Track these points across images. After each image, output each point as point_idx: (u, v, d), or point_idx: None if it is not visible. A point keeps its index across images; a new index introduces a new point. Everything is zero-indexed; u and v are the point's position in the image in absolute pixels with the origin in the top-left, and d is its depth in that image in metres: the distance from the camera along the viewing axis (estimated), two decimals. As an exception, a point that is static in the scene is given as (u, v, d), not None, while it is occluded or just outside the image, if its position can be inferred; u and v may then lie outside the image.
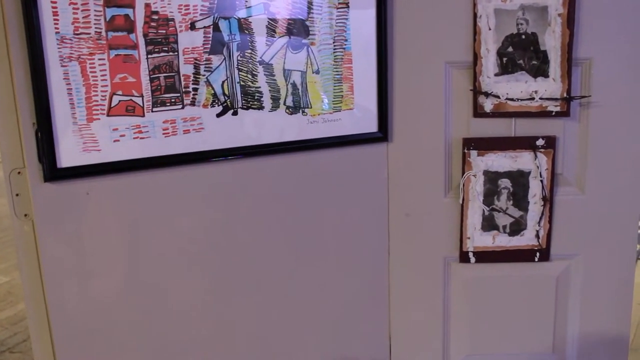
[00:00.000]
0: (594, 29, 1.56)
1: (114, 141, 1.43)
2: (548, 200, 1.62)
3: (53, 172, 1.40)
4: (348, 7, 1.51)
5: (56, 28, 1.36)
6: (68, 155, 1.41)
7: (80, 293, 1.47)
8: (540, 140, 1.59)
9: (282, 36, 1.48)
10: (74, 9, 1.36)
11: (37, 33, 1.34)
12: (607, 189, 1.64)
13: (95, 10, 1.37)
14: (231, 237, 1.56)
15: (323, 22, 1.50)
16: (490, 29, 1.54)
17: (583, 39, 1.56)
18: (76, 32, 1.37)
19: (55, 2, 1.35)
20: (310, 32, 1.49)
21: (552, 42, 1.54)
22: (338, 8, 1.50)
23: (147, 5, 1.39)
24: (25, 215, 1.46)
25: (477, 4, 1.53)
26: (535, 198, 1.62)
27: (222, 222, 1.55)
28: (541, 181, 1.60)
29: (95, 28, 1.38)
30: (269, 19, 1.46)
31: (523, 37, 1.54)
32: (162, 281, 1.53)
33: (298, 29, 1.48)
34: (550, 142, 1.59)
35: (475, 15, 1.54)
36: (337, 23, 1.51)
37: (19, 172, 1.44)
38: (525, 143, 1.59)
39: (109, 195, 1.46)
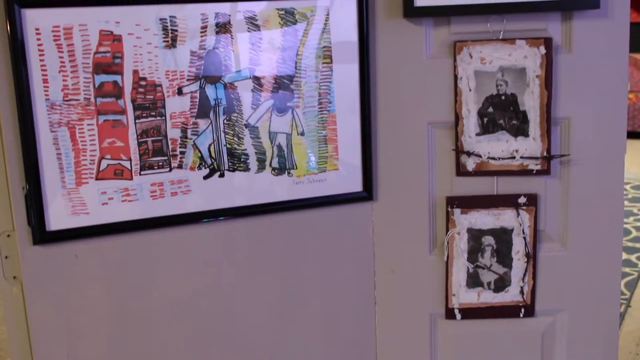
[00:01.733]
0: (571, 90, 1.60)
1: (103, 204, 1.45)
2: (531, 257, 1.64)
3: (42, 235, 1.42)
4: (332, 70, 1.55)
5: (46, 95, 1.39)
6: (57, 218, 1.43)
7: (69, 355, 1.48)
8: (522, 198, 1.62)
9: (268, 99, 1.51)
10: (63, 76, 1.40)
11: (28, 100, 1.38)
12: (589, 244, 1.67)
13: (84, 77, 1.41)
14: (218, 298, 1.58)
15: (308, 85, 1.54)
16: (470, 90, 1.58)
17: (561, 99, 1.60)
18: (66, 98, 1.40)
19: (45, 70, 1.39)
20: (296, 95, 1.53)
21: (531, 102, 1.58)
22: (322, 71, 1.54)
23: (135, 72, 1.43)
24: (14, 277, 1.47)
25: (457, 66, 1.57)
26: (519, 255, 1.64)
27: (210, 283, 1.56)
28: (524, 238, 1.63)
29: (85, 94, 1.41)
30: (254, 83, 1.50)
31: (503, 98, 1.58)
32: (150, 342, 1.54)
33: (283, 92, 1.52)
34: (532, 200, 1.62)
35: (455, 77, 1.58)
36: (321, 86, 1.55)
37: (8, 235, 1.46)
38: (508, 201, 1.62)
39: (97, 257, 1.47)
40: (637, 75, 6.06)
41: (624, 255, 3.86)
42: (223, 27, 1.47)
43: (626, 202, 4.62)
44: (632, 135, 5.91)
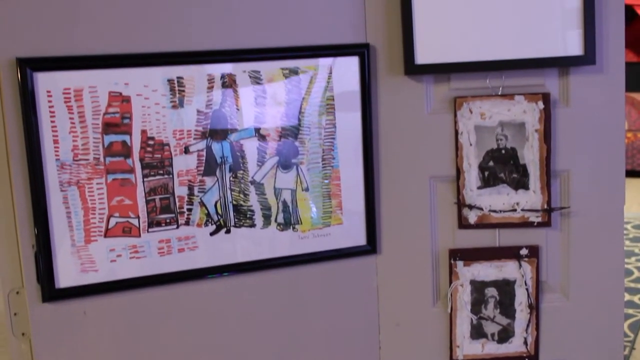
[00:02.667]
0: (570, 143, 1.63)
1: (111, 261, 1.47)
2: (534, 308, 1.66)
3: (51, 293, 1.45)
4: (335, 126, 1.58)
5: (57, 155, 1.43)
6: (66, 276, 1.45)
7: (76, 412, 1.49)
8: (524, 249, 1.64)
9: (273, 156, 1.55)
10: (73, 136, 1.43)
11: (38, 160, 1.41)
12: (590, 294, 1.68)
13: (94, 138, 1.44)
14: (225, 352, 1.59)
15: (312, 142, 1.57)
16: (471, 145, 1.61)
17: (560, 152, 1.63)
18: (75, 158, 1.44)
19: (56, 131, 1.42)
20: (300, 152, 1.56)
21: (530, 156, 1.61)
22: (325, 128, 1.57)
23: (144, 132, 1.47)
24: (23, 334, 1.49)
25: (458, 121, 1.61)
26: (522, 306, 1.66)
27: (217, 337, 1.58)
28: (526, 289, 1.65)
29: (94, 154, 1.45)
30: (259, 140, 1.53)
31: (503, 152, 1.62)
32: (157, 398, 1.55)
33: (287, 149, 1.55)
34: (534, 252, 1.64)
35: (456, 132, 1.62)
36: (325, 142, 1.58)
37: (17, 292, 1.48)
38: (510, 253, 1.64)
39: (105, 314, 1.49)
40: (635, 114, 6.12)
41: (627, 297, 3.86)
42: (229, 87, 1.50)
43: (627, 242, 4.63)
44: (632, 174, 5.94)
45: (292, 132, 1.55)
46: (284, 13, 1.54)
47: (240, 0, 1.51)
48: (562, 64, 1.60)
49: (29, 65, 1.40)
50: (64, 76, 1.42)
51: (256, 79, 1.52)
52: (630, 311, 3.86)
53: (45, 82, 1.41)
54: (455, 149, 1.63)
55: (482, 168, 1.62)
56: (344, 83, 1.58)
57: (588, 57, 1.58)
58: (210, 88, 1.49)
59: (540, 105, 1.60)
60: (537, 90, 1.62)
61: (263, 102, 1.53)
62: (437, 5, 1.56)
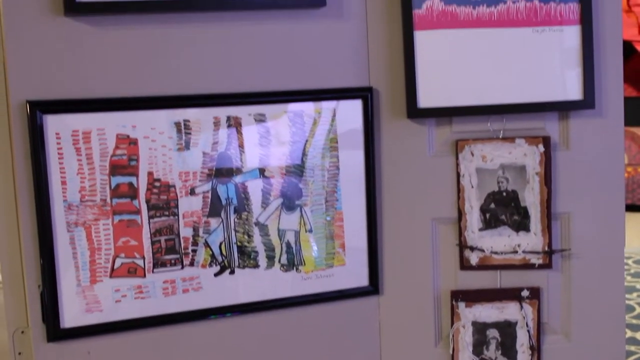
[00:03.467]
0: (570, 186, 1.65)
1: (116, 302, 1.49)
2: (536, 350, 1.66)
3: (56, 333, 1.46)
4: (338, 168, 1.60)
5: (64, 196, 1.45)
6: (71, 316, 1.47)
7: None
8: (525, 291, 1.65)
9: (277, 198, 1.57)
10: (81, 178, 1.46)
11: (46, 201, 1.44)
12: (592, 336, 1.69)
13: (101, 179, 1.47)
14: (228, 392, 1.60)
15: (315, 184, 1.59)
16: (473, 187, 1.64)
17: (561, 194, 1.65)
18: (83, 199, 1.46)
19: (64, 172, 1.45)
20: (304, 194, 1.58)
21: (531, 198, 1.63)
22: (329, 170, 1.60)
23: (150, 174, 1.49)
24: (27, 373, 1.50)
25: (459, 163, 1.63)
26: (523, 347, 1.67)
27: (219, 377, 1.59)
28: (528, 331, 1.66)
29: (101, 195, 1.47)
30: (264, 182, 1.56)
31: (504, 194, 1.64)
32: None
33: (291, 191, 1.58)
34: (535, 293, 1.66)
35: (458, 175, 1.64)
36: (328, 184, 1.60)
37: (22, 332, 1.49)
38: (511, 294, 1.66)
39: (109, 354, 1.50)
40: (635, 149, 6.15)
41: (629, 333, 3.85)
42: (234, 129, 1.53)
43: (629, 278, 4.63)
44: (632, 208, 5.95)
45: (296, 174, 1.58)
46: (289, 56, 1.57)
47: (246, 44, 1.54)
48: (562, 108, 1.63)
49: (39, 108, 1.42)
50: (73, 118, 1.45)
51: (261, 121, 1.55)
52: (633, 348, 3.85)
53: (55, 124, 1.44)
54: (457, 191, 1.65)
55: (483, 210, 1.64)
56: (348, 126, 1.60)
57: (587, 102, 1.61)
58: (216, 130, 1.52)
59: (541, 148, 1.62)
60: (538, 133, 1.64)
61: (267, 144, 1.55)
62: (439, 50, 1.60)
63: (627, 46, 5.73)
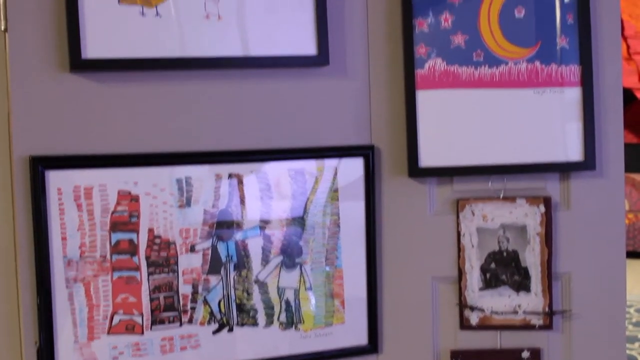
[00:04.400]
0: (571, 246, 1.65)
1: (113, 358, 1.48)
2: (536, 412, 1.65)
3: (52, 390, 1.44)
4: (339, 226, 1.60)
5: (64, 252, 1.45)
6: (67, 373, 1.45)
7: None
8: (526, 352, 1.64)
9: (277, 256, 1.56)
10: (81, 234, 1.46)
11: (46, 256, 1.43)
12: (593, 398, 1.68)
13: (101, 235, 1.47)
14: None
15: (316, 242, 1.59)
16: (473, 247, 1.63)
17: (561, 255, 1.65)
18: (82, 255, 1.46)
19: (64, 228, 1.45)
20: (304, 252, 1.58)
21: (532, 259, 1.63)
22: (329, 227, 1.59)
23: (151, 230, 1.49)
24: None
25: (460, 223, 1.63)
26: (524, 409, 1.65)
27: None
28: (528, 392, 1.64)
29: (101, 252, 1.47)
30: (264, 240, 1.55)
31: (505, 254, 1.64)
32: None
33: (292, 249, 1.57)
34: (535, 355, 1.64)
35: (459, 234, 1.64)
36: (329, 242, 1.60)
37: (18, 388, 1.48)
38: (511, 356, 1.64)
39: (105, 411, 1.49)
40: (636, 195, 6.16)
41: (631, 386, 3.81)
42: (235, 187, 1.53)
43: (630, 327, 4.60)
44: (634, 255, 5.93)
45: (296, 232, 1.58)
46: (291, 114, 1.58)
47: (249, 101, 1.55)
48: (562, 169, 1.63)
49: (42, 163, 1.43)
50: (75, 174, 1.45)
51: (263, 179, 1.55)
52: (634, 400, 3.81)
53: (57, 180, 1.44)
54: (458, 250, 1.64)
55: (484, 270, 1.64)
56: (349, 183, 1.61)
57: (588, 163, 1.61)
58: (218, 187, 1.52)
59: (542, 208, 1.62)
60: (539, 193, 1.64)
61: (269, 202, 1.56)
62: (441, 110, 1.61)
63: (628, 93, 5.78)
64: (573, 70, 1.61)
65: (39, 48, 1.45)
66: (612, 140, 1.65)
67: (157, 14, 1.47)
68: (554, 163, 1.62)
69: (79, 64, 1.43)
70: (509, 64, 1.60)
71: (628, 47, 5.47)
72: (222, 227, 1.53)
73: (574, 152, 1.62)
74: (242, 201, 1.54)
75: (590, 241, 1.66)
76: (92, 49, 1.44)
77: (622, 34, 4.47)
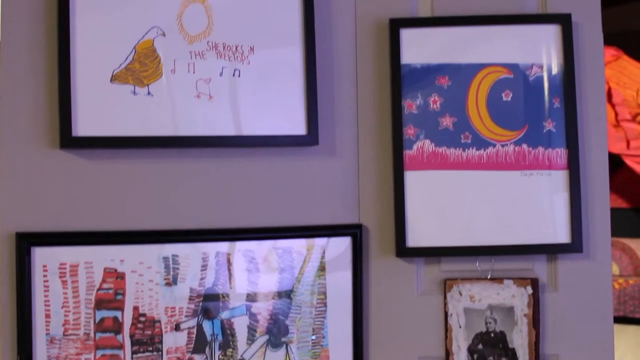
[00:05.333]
0: (559, 328, 1.65)
1: None
2: None
3: None
4: (326, 305, 1.59)
5: (47, 329, 1.44)
6: None
7: None
8: None
9: (263, 335, 1.55)
10: (65, 311, 1.44)
11: (28, 334, 1.43)
12: None
13: (85, 313, 1.45)
14: None
15: (302, 321, 1.58)
16: (460, 327, 1.63)
17: (549, 337, 1.64)
18: (66, 333, 1.44)
19: (48, 305, 1.44)
20: (290, 331, 1.57)
21: (519, 340, 1.62)
22: (316, 307, 1.58)
23: (136, 308, 1.48)
24: None
25: (447, 303, 1.63)
26: None
27: None
28: None
29: (85, 329, 1.45)
30: (250, 319, 1.54)
31: (492, 335, 1.63)
32: None
33: (278, 328, 1.56)
34: None
35: (446, 314, 1.63)
36: (315, 321, 1.59)
37: None
38: None
39: None
40: (626, 260, 6.17)
41: None
42: (223, 265, 1.53)
43: (621, 397, 4.54)
44: (623, 320, 5.89)
45: (283, 311, 1.57)
46: (280, 193, 1.59)
47: (238, 179, 1.56)
48: (550, 251, 1.64)
49: (28, 240, 1.43)
50: (61, 251, 1.45)
51: (250, 258, 1.55)
52: None
53: (42, 257, 1.44)
54: (445, 331, 1.63)
55: (471, 351, 1.63)
56: (337, 262, 1.60)
57: (575, 245, 1.62)
58: (204, 266, 1.52)
59: (529, 290, 1.62)
60: (526, 274, 1.64)
61: (256, 281, 1.55)
62: (429, 190, 1.62)
63: (616, 159, 5.83)
64: (560, 154, 1.62)
65: (30, 124, 1.46)
66: (599, 222, 1.66)
67: (149, 92, 1.49)
68: (542, 245, 1.62)
69: (69, 142, 1.44)
70: (496, 146, 1.62)
71: (616, 114, 5.53)
72: (208, 305, 1.52)
73: (561, 234, 1.63)
74: (229, 280, 1.53)
75: (578, 323, 1.66)
76: (82, 127, 1.45)
77: (610, 101, 4.54)
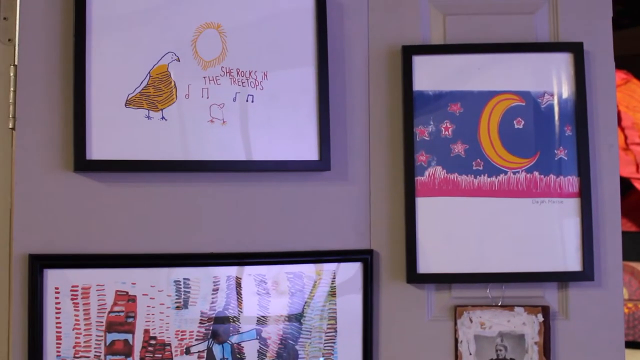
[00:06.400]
0: (570, 356, 1.64)
1: None
2: None
3: None
4: (336, 331, 1.59)
5: (58, 351, 1.44)
6: None
7: None
8: None
9: (273, 359, 1.55)
10: (76, 333, 1.45)
11: (39, 355, 1.43)
12: None
13: (96, 335, 1.46)
14: None
15: (312, 346, 1.58)
16: (471, 354, 1.62)
17: (559, 365, 1.64)
18: (76, 355, 1.45)
19: (60, 327, 1.44)
20: (300, 356, 1.57)
21: (530, 369, 1.61)
22: (326, 332, 1.58)
23: (146, 331, 1.48)
24: None
25: (458, 329, 1.62)
26: None
27: None
28: None
29: (95, 352, 1.46)
30: (260, 343, 1.54)
31: (502, 363, 1.62)
32: None
33: (288, 352, 1.56)
34: None
35: (456, 340, 1.63)
36: (325, 346, 1.59)
37: None
38: None
39: None
40: (636, 284, 6.13)
41: None
42: (233, 289, 1.53)
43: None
44: (633, 345, 5.85)
45: (293, 336, 1.57)
46: (292, 217, 1.59)
47: (249, 204, 1.57)
48: (561, 279, 1.63)
49: (40, 262, 1.44)
50: (73, 274, 1.46)
51: (261, 282, 1.55)
52: None
53: (55, 279, 1.45)
54: (455, 357, 1.63)
55: (481, 377, 1.62)
56: (347, 288, 1.60)
57: (587, 273, 1.61)
58: (215, 290, 1.52)
59: (540, 317, 1.61)
60: (537, 302, 1.64)
61: (266, 305, 1.55)
62: (440, 217, 1.62)
63: (626, 183, 5.81)
64: (571, 182, 1.62)
65: (45, 147, 1.48)
66: (610, 250, 1.65)
67: (163, 117, 1.50)
68: (553, 272, 1.62)
69: (83, 165, 1.46)
70: (508, 174, 1.62)
71: (625, 137, 5.52)
72: (219, 329, 1.52)
73: (573, 262, 1.62)
74: (239, 304, 1.54)
75: (589, 351, 1.65)
76: (97, 150, 1.46)
77: (620, 125, 4.53)
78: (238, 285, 1.54)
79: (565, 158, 1.63)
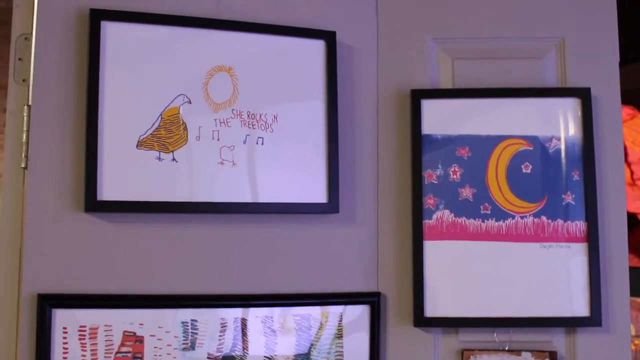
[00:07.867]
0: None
1: None
2: None
3: None
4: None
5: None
6: None
7: None
8: None
9: (280, 393, 1.55)
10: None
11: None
12: None
13: (104, 367, 1.46)
14: None
15: (319, 385, 1.58)
16: (477, 399, 1.61)
17: (567, 411, 1.63)
18: (83, 390, 1.44)
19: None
20: (307, 392, 1.56)
21: (537, 414, 1.60)
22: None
23: None
24: None
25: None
26: None
27: None
28: None
29: (102, 388, 1.45)
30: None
31: (509, 408, 1.61)
32: None
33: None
34: None
35: (463, 385, 1.62)
36: (333, 374, 1.58)
37: None
38: None
39: None
40: (642, 319, 6.07)
41: None
42: (240, 331, 1.53)
43: None
44: (640, 383, 5.79)
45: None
46: (299, 259, 1.60)
47: (257, 245, 1.58)
48: (568, 324, 1.63)
49: (49, 302, 1.44)
50: (81, 314, 1.46)
51: (267, 324, 1.55)
52: None
53: (63, 319, 1.45)
54: (462, 399, 1.62)
55: (487, 422, 1.61)
56: (354, 330, 1.60)
57: (594, 319, 1.61)
58: (223, 332, 1.52)
59: (547, 362, 1.61)
60: (544, 347, 1.63)
61: (273, 347, 1.55)
62: (448, 260, 1.62)
63: (632, 218, 5.79)
64: (579, 226, 1.63)
65: (56, 187, 1.48)
66: (618, 296, 1.65)
67: (174, 159, 1.51)
68: (560, 318, 1.61)
69: (94, 205, 1.46)
70: (515, 218, 1.62)
71: (632, 172, 5.52)
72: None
73: (580, 308, 1.62)
74: (246, 345, 1.53)
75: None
76: (107, 191, 1.47)
77: (626, 160, 4.54)
78: (245, 326, 1.54)
79: (573, 203, 1.63)
